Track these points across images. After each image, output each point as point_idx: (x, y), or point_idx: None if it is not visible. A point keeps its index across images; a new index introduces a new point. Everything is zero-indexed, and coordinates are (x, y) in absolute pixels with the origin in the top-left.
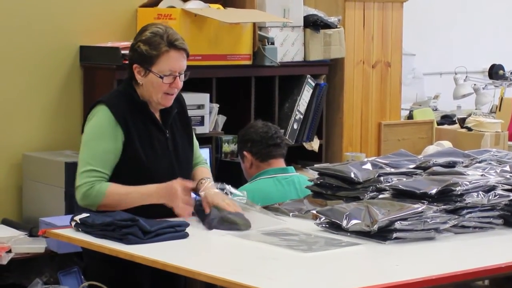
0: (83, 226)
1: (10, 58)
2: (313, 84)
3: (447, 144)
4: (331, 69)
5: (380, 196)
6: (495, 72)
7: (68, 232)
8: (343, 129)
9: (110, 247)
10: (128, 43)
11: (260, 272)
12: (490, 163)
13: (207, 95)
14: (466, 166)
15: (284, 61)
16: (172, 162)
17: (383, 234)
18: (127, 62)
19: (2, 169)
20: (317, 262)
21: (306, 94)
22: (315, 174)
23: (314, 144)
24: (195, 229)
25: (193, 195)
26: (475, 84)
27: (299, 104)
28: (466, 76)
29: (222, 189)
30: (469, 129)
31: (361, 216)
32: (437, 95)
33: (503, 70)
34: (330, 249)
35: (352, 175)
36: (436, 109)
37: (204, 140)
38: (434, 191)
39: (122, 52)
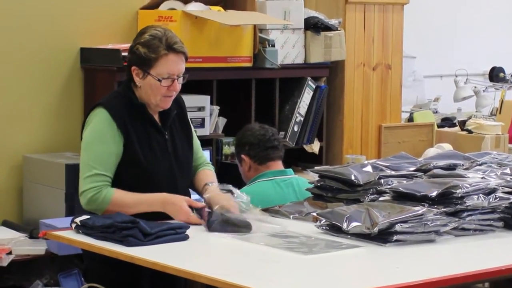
0: (83, 228)
1: (11, 59)
2: (314, 87)
3: (447, 147)
4: (332, 72)
5: (381, 198)
6: (495, 75)
7: (68, 234)
8: (344, 132)
9: (110, 249)
10: (128, 45)
11: (260, 275)
12: (490, 166)
13: (208, 97)
14: (466, 169)
15: (285, 63)
16: (172, 163)
17: (384, 236)
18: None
19: (3, 171)
20: (317, 264)
21: (306, 97)
22: (315, 176)
23: (315, 147)
24: (195, 231)
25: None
26: (475, 87)
27: (299, 106)
28: (467, 79)
29: (227, 190)
30: (470, 131)
31: (362, 219)
32: (437, 98)
33: (504, 73)
34: (330, 251)
35: (353, 178)
36: (436, 112)
37: (205, 142)
38: (434, 193)
39: (123, 54)
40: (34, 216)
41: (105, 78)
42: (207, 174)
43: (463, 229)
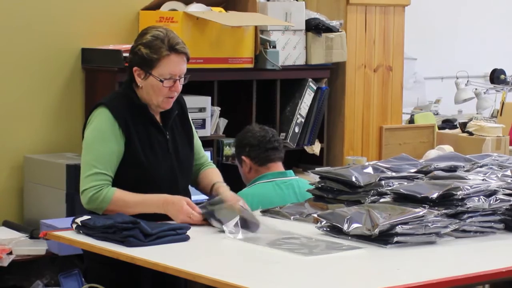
0: (84, 229)
1: (12, 60)
2: (315, 88)
3: (448, 149)
4: (333, 73)
5: (381, 200)
6: (496, 77)
7: (69, 234)
8: (345, 133)
9: (111, 249)
10: (130, 46)
11: (260, 276)
12: (491, 168)
13: (209, 98)
14: (467, 171)
15: (286, 64)
16: (173, 163)
17: (384, 238)
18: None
19: (4, 171)
20: (318, 265)
21: (307, 98)
22: (316, 178)
23: (316, 148)
24: (196, 232)
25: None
26: (476, 89)
27: (300, 107)
28: (468, 81)
29: None
30: (470, 133)
31: (362, 220)
32: (438, 100)
33: (505, 75)
34: (331, 252)
35: (353, 179)
36: (437, 114)
37: (205, 143)
38: (435, 195)
39: (124, 54)
40: (35, 216)
41: (106, 79)
42: (214, 173)
43: (464, 231)
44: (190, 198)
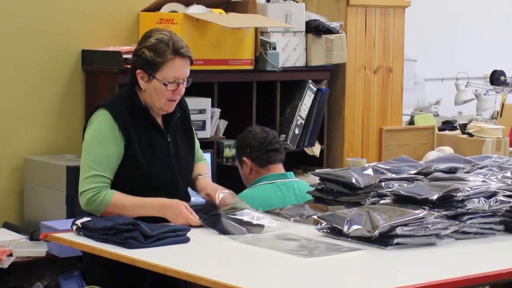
0: (84, 230)
1: (12, 61)
2: (315, 89)
3: (448, 150)
4: (333, 75)
5: (381, 201)
6: (496, 78)
7: (69, 236)
8: (344, 134)
9: (111, 251)
10: (130, 48)
11: (260, 277)
12: (491, 169)
13: (209, 100)
14: (467, 172)
15: (286, 66)
16: (173, 166)
17: (384, 239)
18: (129, 66)
19: (4, 173)
20: (318, 267)
21: (307, 99)
22: (316, 179)
23: (316, 149)
24: (196, 233)
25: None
26: (476, 90)
27: (300, 109)
28: (468, 82)
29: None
30: (470, 135)
31: (362, 222)
32: (438, 101)
33: (505, 76)
34: (331, 254)
35: (353, 181)
36: (437, 115)
37: (206, 145)
38: (435, 197)
39: (124, 56)
40: (35, 218)
41: (106, 81)
42: (201, 166)
43: (464, 232)
44: (190, 201)
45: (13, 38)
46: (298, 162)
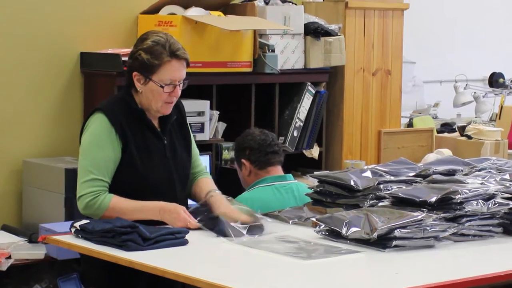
0: (82, 233)
1: (11, 64)
2: (313, 92)
3: (447, 152)
4: (332, 77)
5: (380, 204)
6: (495, 80)
7: (67, 239)
8: (343, 137)
9: (109, 253)
10: (128, 50)
11: (259, 280)
12: (490, 172)
13: (207, 102)
14: (466, 174)
15: (285, 68)
16: (170, 169)
17: (383, 242)
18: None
19: (2, 175)
20: (316, 269)
21: (306, 102)
22: (315, 182)
23: (314, 152)
24: (194, 236)
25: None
26: (475, 92)
27: (299, 111)
28: (466, 84)
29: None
30: (469, 137)
31: (361, 224)
32: (437, 103)
33: (503, 78)
34: (329, 256)
35: (352, 183)
36: (436, 117)
37: (204, 147)
38: (433, 199)
39: (123, 58)
40: (34, 220)
41: (105, 83)
42: (209, 182)
43: (462, 234)
44: (187, 203)
45: (12, 41)
46: (296, 164)
